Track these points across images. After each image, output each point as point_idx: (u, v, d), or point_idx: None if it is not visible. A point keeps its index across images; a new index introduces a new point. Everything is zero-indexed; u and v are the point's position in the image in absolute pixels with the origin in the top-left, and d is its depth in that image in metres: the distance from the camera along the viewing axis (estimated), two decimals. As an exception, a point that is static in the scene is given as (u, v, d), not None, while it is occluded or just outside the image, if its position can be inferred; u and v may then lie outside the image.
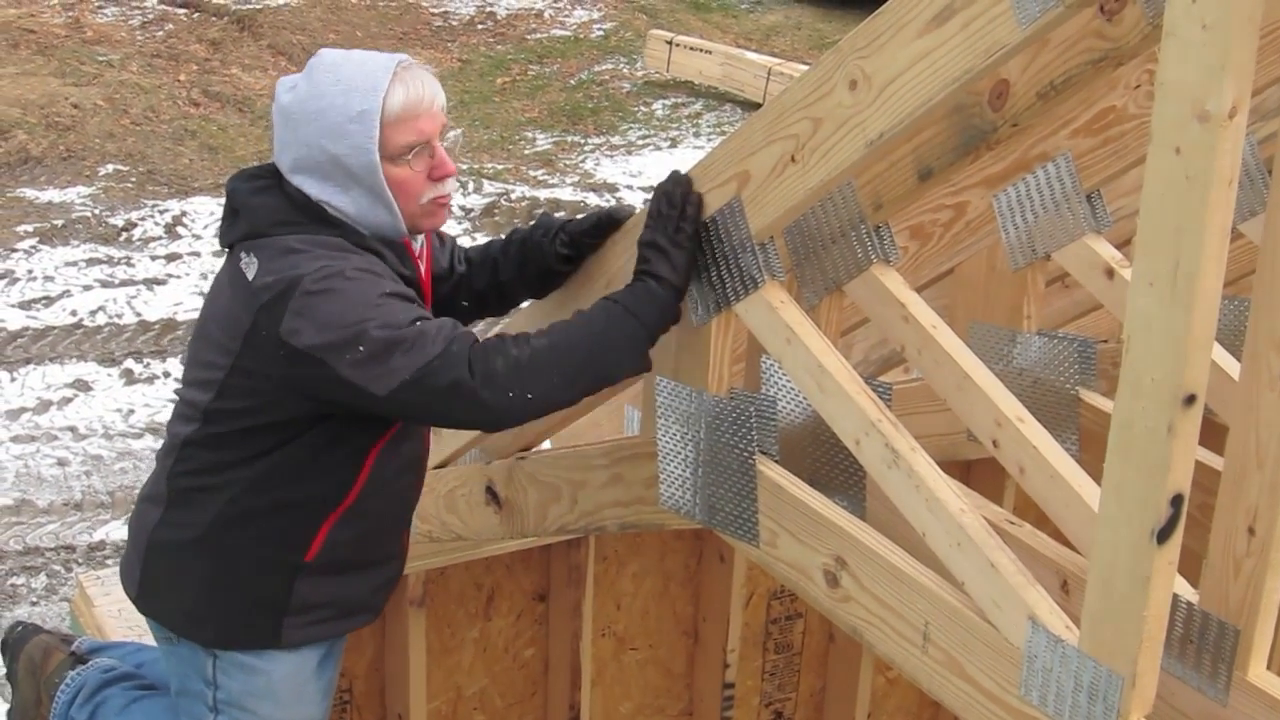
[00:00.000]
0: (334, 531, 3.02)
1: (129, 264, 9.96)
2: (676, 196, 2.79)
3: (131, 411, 8.15)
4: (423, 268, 3.04)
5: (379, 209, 2.87)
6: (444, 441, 3.61)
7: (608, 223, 3.08)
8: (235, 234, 2.93)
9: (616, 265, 3.06)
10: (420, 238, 3.03)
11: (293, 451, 2.92)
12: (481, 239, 10.56)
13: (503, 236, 3.26)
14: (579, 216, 3.15)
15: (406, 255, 2.94)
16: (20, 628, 3.83)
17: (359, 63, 2.85)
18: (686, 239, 2.78)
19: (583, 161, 12.72)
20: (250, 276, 2.83)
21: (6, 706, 4.03)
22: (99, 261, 9.97)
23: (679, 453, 2.94)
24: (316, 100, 2.82)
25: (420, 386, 2.75)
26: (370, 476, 3.00)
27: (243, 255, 2.88)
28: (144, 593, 3.15)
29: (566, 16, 16.48)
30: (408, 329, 2.75)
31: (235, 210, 2.95)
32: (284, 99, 2.87)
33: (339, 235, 2.86)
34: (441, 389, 2.75)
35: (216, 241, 10.55)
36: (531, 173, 12.33)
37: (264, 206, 2.90)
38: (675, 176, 2.83)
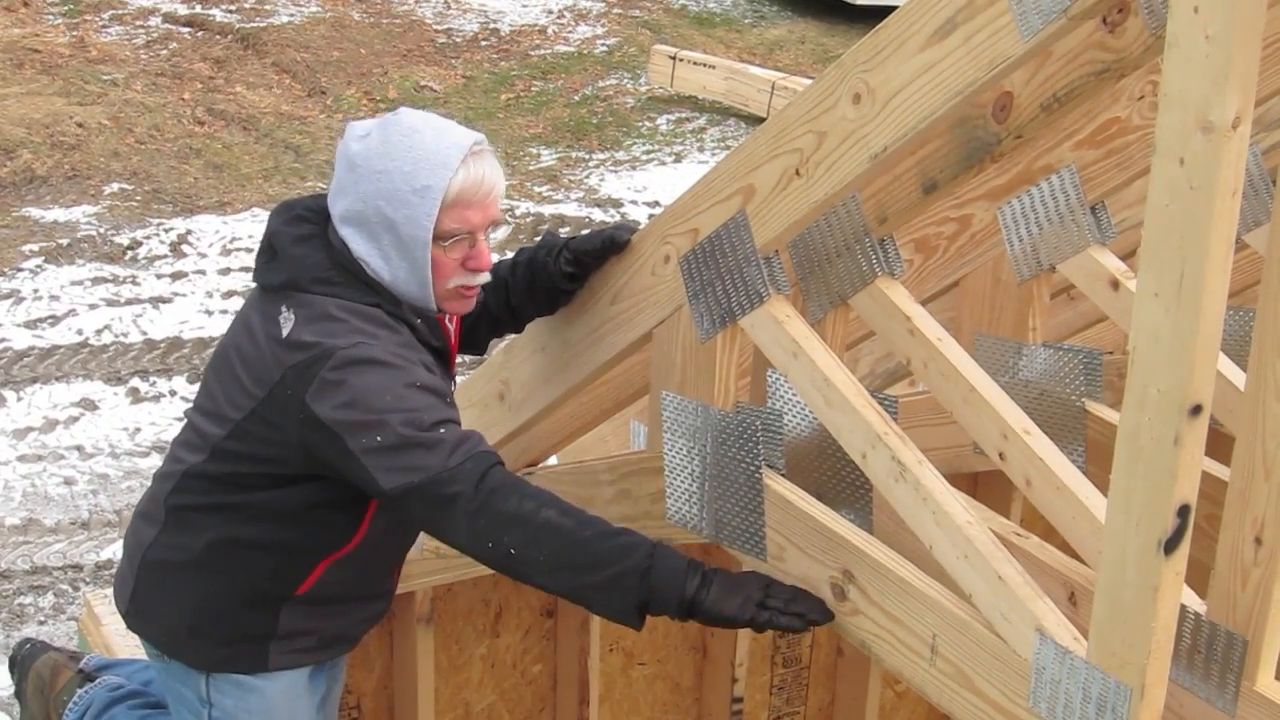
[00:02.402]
0: (329, 572, 3.02)
1: (134, 283, 9.97)
2: (812, 615, 2.67)
3: (138, 430, 8.15)
4: (452, 337, 3.05)
5: (414, 283, 2.86)
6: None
7: (610, 247, 3.08)
8: (273, 280, 2.90)
9: (621, 281, 3.07)
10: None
11: (293, 499, 2.92)
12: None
13: (509, 256, 3.27)
14: (583, 234, 3.15)
15: (438, 328, 2.94)
16: (29, 645, 3.84)
17: (436, 132, 2.82)
18: (753, 620, 2.65)
19: (587, 177, 12.73)
20: (285, 333, 2.81)
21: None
22: (104, 280, 9.98)
23: (685, 467, 2.94)
24: (385, 160, 2.80)
25: (424, 492, 2.71)
26: (370, 529, 3.00)
27: (283, 309, 2.84)
28: (134, 610, 3.15)
29: (570, 33, 16.50)
30: (430, 432, 2.73)
31: (275, 252, 2.92)
32: (353, 146, 2.85)
33: (376, 302, 2.85)
34: (442, 498, 2.71)
35: (221, 260, 10.45)
36: (536, 189, 12.34)
37: (305, 259, 2.87)
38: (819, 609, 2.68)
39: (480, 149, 2.85)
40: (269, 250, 2.93)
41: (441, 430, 2.74)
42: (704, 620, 2.67)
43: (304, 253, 2.88)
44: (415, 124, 2.84)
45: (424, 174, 2.78)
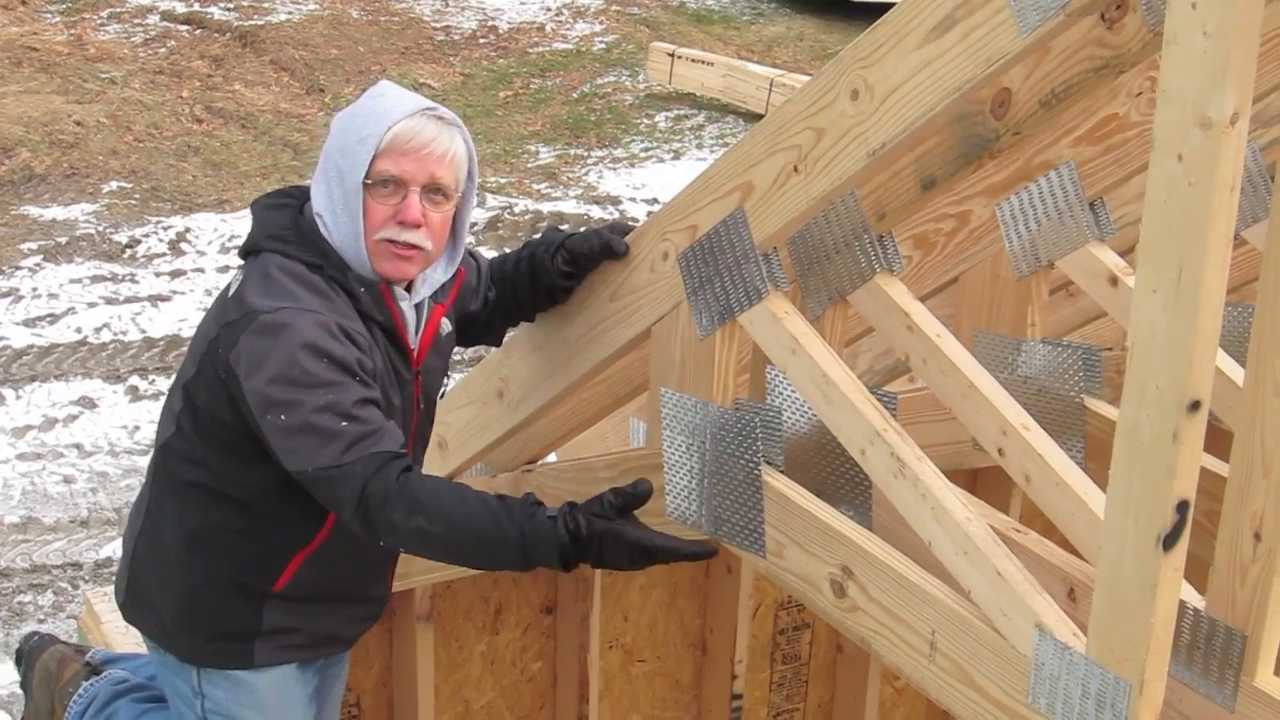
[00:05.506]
0: (303, 568, 3.03)
1: (133, 281, 9.97)
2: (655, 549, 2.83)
3: (137, 428, 8.15)
4: (409, 320, 3.00)
5: (351, 236, 2.86)
6: (450, 455, 3.62)
7: (607, 255, 3.07)
8: (244, 246, 2.99)
9: (620, 278, 3.07)
10: (421, 292, 3.01)
11: (254, 481, 2.93)
12: (486, 252, 10.56)
13: (513, 250, 3.28)
14: (580, 232, 3.15)
15: (382, 301, 2.93)
16: (36, 638, 3.86)
17: (399, 96, 2.90)
18: (622, 560, 2.82)
19: (586, 174, 12.73)
20: (231, 291, 2.89)
21: (21, 715, 4.04)
22: (103, 279, 9.98)
23: (684, 464, 2.94)
24: (350, 118, 2.90)
25: (315, 482, 2.80)
26: (335, 526, 2.99)
27: (238, 271, 2.94)
28: (128, 602, 3.21)
29: (568, 30, 16.51)
30: (329, 419, 2.76)
31: (252, 225, 3.01)
32: (338, 112, 2.98)
33: (320, 267, 2.87)
34: (331, 495, 2.81)
35: (220, 258, 10.48)
36: (535, 186, 12.34)
37: (268, 220, 2.95)
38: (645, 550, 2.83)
39: (435, 114, 2.87)
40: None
41: (343, 423, 2.76)
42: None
43: (269, 216, 2.96)
44: (385, 90, 2.94)
45: (370, 125, 2.84)
